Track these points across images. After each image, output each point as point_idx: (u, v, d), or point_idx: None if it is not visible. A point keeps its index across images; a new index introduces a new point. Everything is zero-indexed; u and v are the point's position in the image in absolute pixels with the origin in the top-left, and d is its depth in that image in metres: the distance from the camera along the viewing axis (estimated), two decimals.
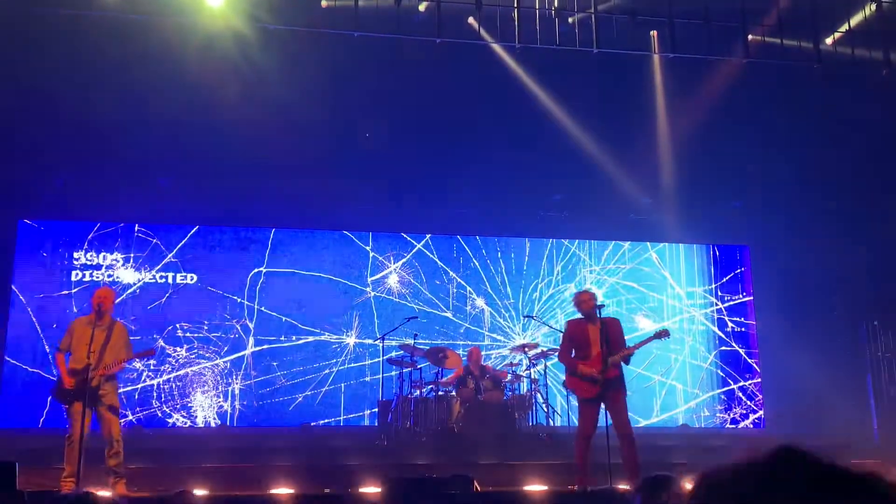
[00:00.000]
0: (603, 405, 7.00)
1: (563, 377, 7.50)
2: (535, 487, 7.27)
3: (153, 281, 12.44)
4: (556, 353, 8.10)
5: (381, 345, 11.10)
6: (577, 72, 10.09)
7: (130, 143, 10.99)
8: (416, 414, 10.29)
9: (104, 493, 6.30)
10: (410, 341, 10.83)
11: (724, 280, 14.15)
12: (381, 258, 13.26)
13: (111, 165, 11.63)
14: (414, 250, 13.37)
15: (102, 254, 12.35)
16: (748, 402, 13.62)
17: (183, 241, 12.64)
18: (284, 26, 9.13)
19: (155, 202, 12.37)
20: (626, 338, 7.21)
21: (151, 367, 12.01)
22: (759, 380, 13.70)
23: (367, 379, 12.55)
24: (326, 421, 12.38)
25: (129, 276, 12.39)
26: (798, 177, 12.17)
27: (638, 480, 6.51)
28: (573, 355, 7.14)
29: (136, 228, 12.55)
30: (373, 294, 13.09)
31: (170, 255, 12.56)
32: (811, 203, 12.69)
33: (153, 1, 8.83)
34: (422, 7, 9.43)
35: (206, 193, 12.41)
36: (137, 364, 11.35)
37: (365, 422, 12.34)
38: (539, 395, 10.85)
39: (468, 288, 13.42)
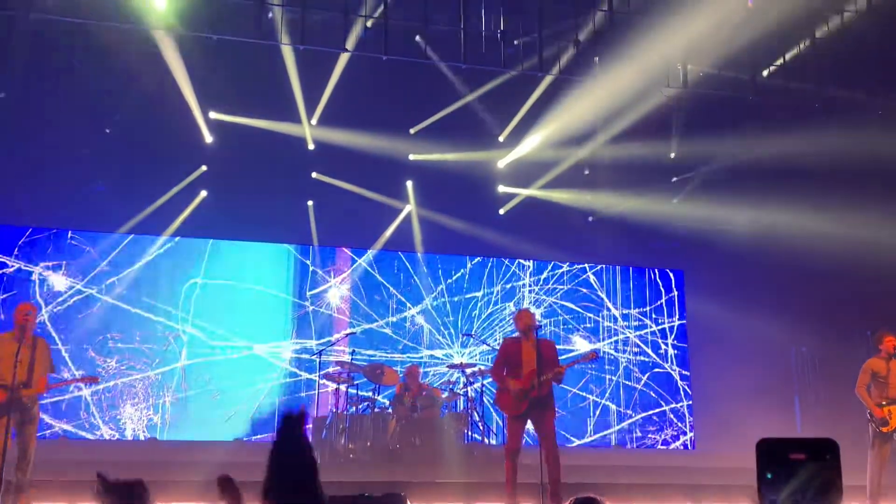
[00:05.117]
0: (531, 423, 7.07)
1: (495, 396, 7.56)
2: None
3: (85, 289, 12.14)
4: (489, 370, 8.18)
5: (317, 360, 10.98)
6: None
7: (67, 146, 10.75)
8: (351, 431, 10.21)
9: None
10: (347, 357, 10.74)
11: (659, 303, 14.41)
12: (321, 272, 13.17)
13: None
14: (355, 265, 13.31)
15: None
16: (679, 424, 13.85)
17: (117, 250, 12.36)
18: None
19: (89, 208, 12.07)
20: (559, 359, 7.29)
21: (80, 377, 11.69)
22: (690, 402, 13.95)
23: (303, 394, 12.41)
24: (260, 436, 12.18)
25: (60, 283, 12.07)
26: (733, 203, 12.48)
27: (560, 499, 6.59)
28: (505, 373, 7.20)
29: (69, 235, 12.24)
30: (311, 308, 12.98)
31: (103, 264, 12.27)
32: (744, 229, 13.00)
33: (93, 5, 8.70)
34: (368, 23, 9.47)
35: (143, 202, 12.16)
36: (67, 375, 11.07)
37: None
38: (475, 414, 10.87)
39: (407, 304, 13.40)
